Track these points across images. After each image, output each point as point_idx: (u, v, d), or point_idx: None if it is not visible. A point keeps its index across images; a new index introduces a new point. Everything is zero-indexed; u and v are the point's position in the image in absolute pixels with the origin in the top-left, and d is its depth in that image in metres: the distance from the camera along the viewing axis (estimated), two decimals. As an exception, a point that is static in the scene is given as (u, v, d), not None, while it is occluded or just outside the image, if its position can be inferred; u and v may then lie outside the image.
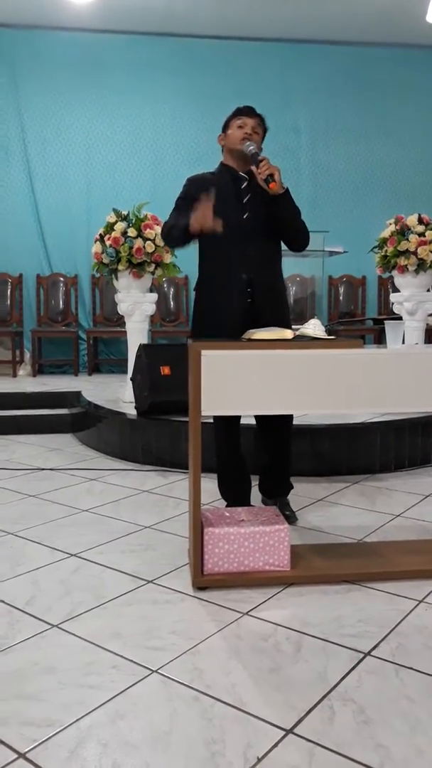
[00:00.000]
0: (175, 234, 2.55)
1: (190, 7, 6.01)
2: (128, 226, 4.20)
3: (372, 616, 1.97)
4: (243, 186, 2.60)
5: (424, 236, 4.39)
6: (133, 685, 1.63)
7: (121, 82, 6.60)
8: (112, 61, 6.57)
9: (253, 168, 2.49)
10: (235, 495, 2.75)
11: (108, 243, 4.22)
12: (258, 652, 1.78)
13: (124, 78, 6.59)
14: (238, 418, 2.70)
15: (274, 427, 2.75)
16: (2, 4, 5.98)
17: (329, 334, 2.49)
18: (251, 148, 2.49)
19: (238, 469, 2.76)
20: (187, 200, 2.54)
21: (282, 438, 2.78)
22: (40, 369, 6.38)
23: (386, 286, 6.66)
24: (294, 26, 6.44)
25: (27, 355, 6.45)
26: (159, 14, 6.14)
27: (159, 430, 3.83)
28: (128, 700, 1.56)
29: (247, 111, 2.61)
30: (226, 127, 2.64)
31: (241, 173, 2.61)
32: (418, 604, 2.04)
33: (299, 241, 2.64)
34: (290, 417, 2.78)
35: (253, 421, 2.77)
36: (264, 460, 2.85)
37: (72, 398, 4.99)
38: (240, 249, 2.54)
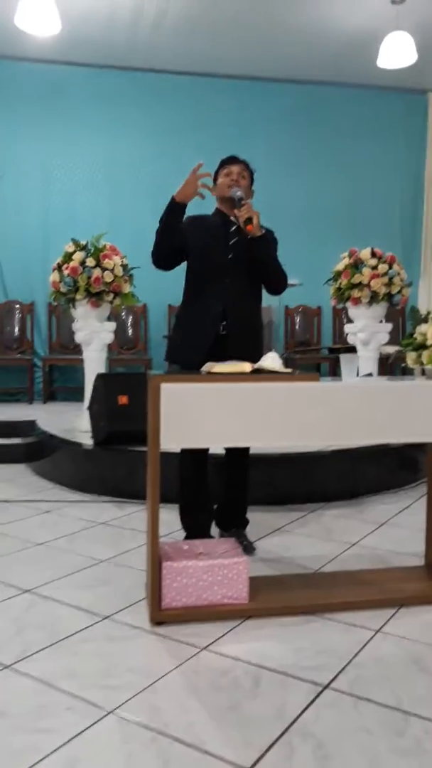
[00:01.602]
0: (160, 239, 2.65)
1: (151, 42, 6.11)
2: (87, 256, 4.20)
3: (330, 648, 1.97)
4: (231, 229, 2.73)
5: (377, 269, 4.52)
6: (89, 727, 1.59)
7: (81, 114, 6.64)
8: (73, 92, 6.61)
9: (235, 210, 2.64)
10: (197, 525, 2.74)
11: (66, 272, 4.21)
12: (216, 688, 1.76)
13: (84, 110, 6.64)
14: (206, 448, 2.70)
15: (234, 459, 2.78)
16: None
17: (286, 363, 2.53)
18: (238, 193, 2.64)
19: (202, 499, 2.76)
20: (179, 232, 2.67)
21: (241, 470, 2.81)
22: (-7, 397, 6.26)
23: (341, 316, 6.80)
24: (252, 64, 6.62)
25: (-20, 383, 6.32)
26: (121, 48, 6.23)
27: (116, 460, 3.80)
28: (84, 744, 1.52)
29: (230, 160, 2.78)
30: (215, 178, 2.78)
31: (231, 218, 2.74)
32: (374, 634, 2.06)
33: (276, 283, 2.78)
34: (247, 450, 2.80)
35: (217, 452, 2.77)
36: (224, 492, 2.86)
37: (26, 427, 4.91)
38: (220, 284, 2.67)
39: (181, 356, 2.69)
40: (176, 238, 2.66)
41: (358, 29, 5.84)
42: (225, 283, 2.67)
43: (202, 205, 2.72)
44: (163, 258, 2.72)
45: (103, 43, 6.14)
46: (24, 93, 6.51)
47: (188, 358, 2.61)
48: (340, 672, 1.84)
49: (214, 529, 2.90)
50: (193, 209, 2.70)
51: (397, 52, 5.60)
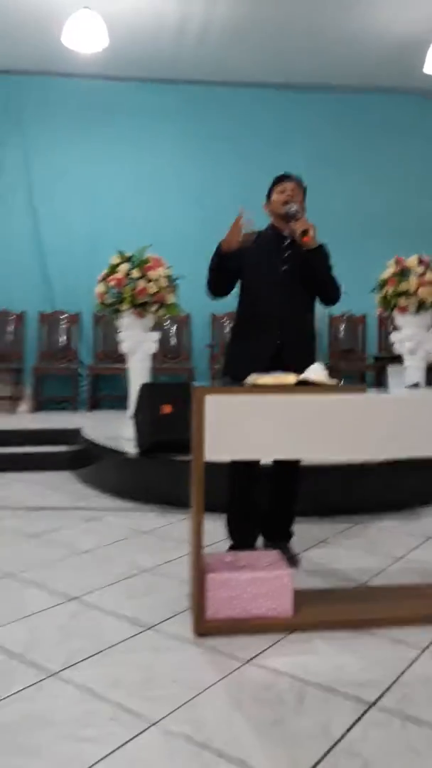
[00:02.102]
0: (212, 276, 2.75)
1: (195, 54, 6.19)
2: (132, 268, 4.27)
3: (376, 665, 1.94)
4: (285, 244, 2.77)
5: (424, 277, 4.45)
6: (133, 738, 1.59)
7: (125, 127, 6.76)
8: (117, 106, 6.74)
9: (291, 224, 2.69)
10: (244, 535, 2.74)
11: (111, 283, 4.28)
12: (260, 702, 1.75)
13: (128, 123, 6.76)
14: (258, 460, 2.69)
15: (284, 470, 2.77)
16: (12, 52, 6.16)
17: (331, 372, 2.51)
18: (293, 208, 2.69)
19: (250, 510, 2.75)
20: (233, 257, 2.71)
21: (290, 482, 2.80)
22: (40, 405, 6.38)
23: (386, 324, 6.70)
24: (295, 72, 6.62)
25: (27, 391, 6.46)
26: (164, 62, 6.32)
27: (159, 469, 3.82)
28: (127, 756, 1.53)
29: (284, 177, 2.82)
30: (269, 195, 2.83)
31: (284, 233, 2.78)
32: (422, 652, 2.01)
33: (330, 294, 2.81)
34: (297, 461, 2.79)
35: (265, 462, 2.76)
36: (271, 503, 2.84)
37: (71, 435, 4.98)
38: (275, 297, 2.71)
39: (240, 370, 2.60)
40: (229, 275, 2.75)
41: (403, 35, 5.78)
42: (280, 296, 2.71)
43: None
44: (220, 292, 2.82)
45: (147, 58, 6.24)
46: (70, 108, 6.66)
47: (247, 371, 2.52)
48: (386, 690, 1.80)
49: (259, 540, 2.89)
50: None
51: (443, 58, 5.52)
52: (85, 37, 5.16)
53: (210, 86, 6.82)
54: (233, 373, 2.71)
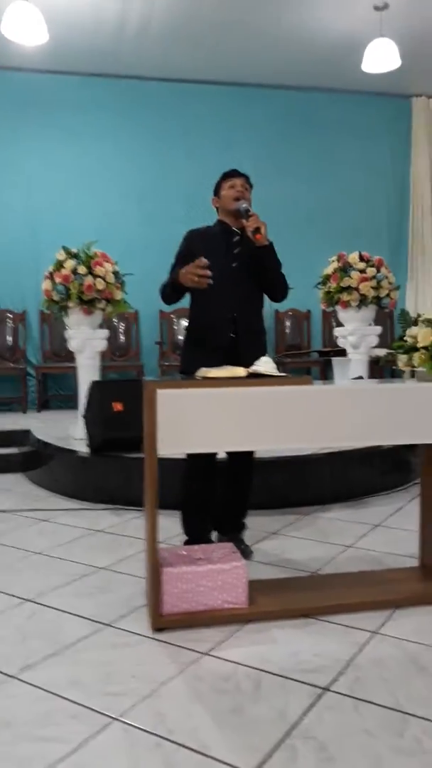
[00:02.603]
0: (168, 292, 2.79)
1: (137, 49, 6.15)
2: (78, 264, 4.22)
3: (329, 651, 2.00)
4: (235, 240, 2.82)
5: (365, 273, 4.57)
6: (95, 734, 1.60)
7: (68, 121, 6.66)
8: (59, 100, 6.63)
9: (243, 221, 2.73)
10: (200, 528, 2.77)
11: (58, 280, 4.22)
12: (219, 692, 1.79)
13: (71, 117, 6.66)
14: (214, 453, 2.73)
15: (238, 463, 2.82)
16: None
17: (277, 367, 2.57)
18: (244, 205, 2.74)
19: (206, 503, 2.78)
20: (185, 257, 2.76)
21: (244, 476, 2.85)
22: (-14, 406, 6.26)
23: (330, 320, 6.85)
24: (237, 70, 6.66)
25: (-27, 393, 6.32)
26: (107, 56, 6.26)
27: (112, 467, 3.82)
28: (89, 752, 1.54)
29: (234, 173, 2.87)
30: (217, 189, 2.87)
31: (234, 228, 2.83)
32: (372, 636, 2.09)
33: (279, 291, 2.87)
34: (251, 455, 2.83)
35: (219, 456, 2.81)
36: (225, 495, 2.88)
37: (21, 437, 4.91)
38: (227, 293, 2.74)
39: (196, 366, 2.63)
40: (180, 292, 2.79)
41: (342, 35, 5.90)
42: (231, 292, 2.75)
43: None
44: (173, 303, 2.85)
45: (88, 52, 6.16)
46: (10, 101, 6.52)
47: (205, 365, 2.58)
48: (339, 674, 1.87)
49: (213, 533, 2.93)
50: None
51: (381, 58, 5.67)
52: (24, 29, 5.06)
53: (152, 82, 6.79)
54: (189, 370, 2.72)
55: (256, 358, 2.59)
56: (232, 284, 2.75)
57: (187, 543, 2.77)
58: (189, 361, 2.80)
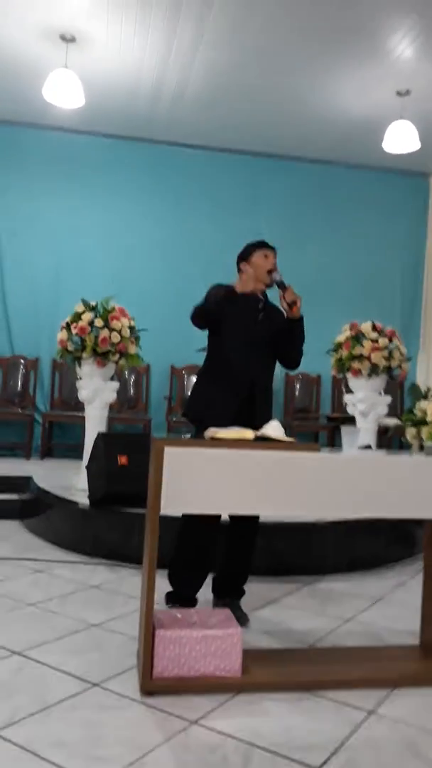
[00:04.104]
0: (208, 302, 2.81)
1: (170, 116, 6.43)
2: (96, 317, 4.31)
3: (322, 728, 1.94)
4: (260, 305, 2.95)
5: (377, 343, 4.62)
6: (74, 801, 1.55)
7: (96, 180, 6.92)
8: (90, 160, 6.90)
9: (280, 292, 2.88)
10: (189, 586, 2.72)
11: (74, 331, 4.30)
12: (206, 765, 1.72)
13: (100, 177, 6.92)
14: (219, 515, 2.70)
15: (243, 527, 2.79)
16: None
17: (285, 430, 2.58)
18: (279, 278, 2.91)
19: (202, 562, 2.75)
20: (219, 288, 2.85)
21: (247, 540, 2.82)
22: (-9, 450, 6.26)
23: (340, 385, 6.88)
24: (264, 141, 6.94)
25: (-21, 436, 6.34)
26: (139, 121, 6.55)
27: (111, 521, 3.78)
28: None
29: (266, 244, 3.00)
30: (248, 256, 2.98)
31: (259, 294, 2.95)
32: (368, 716, 2.02)
33: (294, 360, 3.03)
34: (256, 519, 2.81)
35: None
36: (226, 560, 2.85)
37: (22, 483, 4.89)
38: (248, 353, 2.87)
39: (206, 416, 2.73)
40: (213, 317, 2.86)
41: (365, 115, 6.16)
42: (252, 354, 2.87)
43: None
44: (204, 323, 2.90)
45: (123, 115, 6.45)
46: (45, 159, 6.80)
47: (213, 419, 2.63)
48: (332, 754, 1.80)
49: (209, 594, 2.88)
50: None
51: (401, 139, 5.89)
52: (63, 93, 5.33)
53: (180, 148, 7.07)
54: (196, 416, 2.86)
55: (267, 418, 2.69)
56: (254, 347, 2.87)
57: (170, 595, 2.72)
58: (197, 408, 2.90)
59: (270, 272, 2.92)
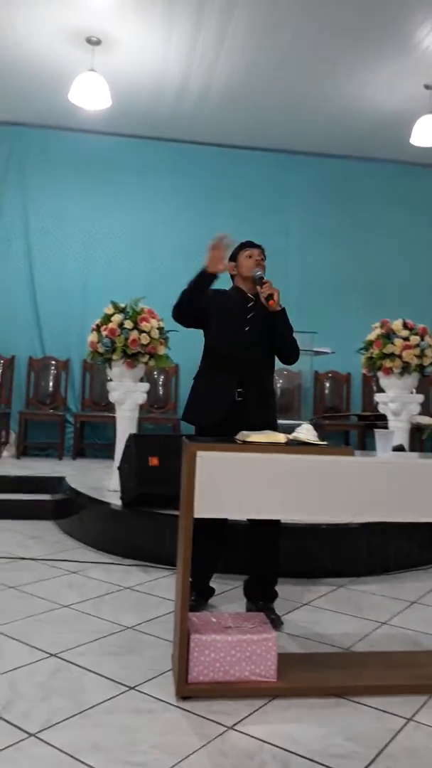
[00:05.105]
0: (184, 294, 2.85)
1: (194, 115, 6.43)
2: (125, 318, 4.32)
3: (360, 735, 1.92)
4: (249, 305, 2.95)
5: (409, 341, 4.55)
6: (113, 806, 1.55)
7: (123, 181, 6.95)
8: (117, 161, 6.95)
9: (258, 288, 2.87)
10: (197, 576, 2.71)
11: (104, 333, 4.32)
12: (243, 772, 1.72)
13: (126, 177, 6.96)
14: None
15: (263, 532, 2.79)
16: (18, 105, 6.37)
17: (317, 432, 2.56)
18: (258, 273, 2.89)
19: (210, 555, 2.83)
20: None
21: (269, 542, 2.81)
22: (24, 451, 6.34)
23: (370, 384, 6.81)
24: (289, 139, 6.90)
25: (12, 437, 6.43)
26: (165, 122, 6.56)
27: (144, 522, 3.80)
28: None
29: (251, 244, 3.01)
30: (234, 257, 3.00)
31: (249, 295, 2.97)
32: (407, 723, 1.99)
33: (290, 354, 2.99)
34: (277, 521, 2.80)
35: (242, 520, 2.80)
36: (253, 564, 2.86)
37: (55, 483, 4.94)
38: (238, 354, 2.87)
39: (198, 419, 2.92)
40: (201, 300, 2.87)
41: (392, 110, 6.08)
42: (242, 354, 2.87)
43: (196, 259, 2.92)
44: (184, 315, 2.92)
45: (148, 117, 6.47)
46: (72, 161, 6.86)
47: (204, 421, 2.86)
48: (371, 763, 1.78)
49: (241, 600, 2.87)
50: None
51: (429, 133, 5.79)
52: (89, 95, 5.37)
53: (206, 147, 7.07)
54: (194, 421, 2.94)
55: (264, 418, 2.73)
56: (243, 347, 2.87)
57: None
58: (192, 411, 2.95)
59: (254, 268, 2.91)
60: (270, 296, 2.80)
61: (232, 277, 3.03)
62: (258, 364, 2.92)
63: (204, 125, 6.64)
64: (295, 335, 2.99)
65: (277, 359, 3.04)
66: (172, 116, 6.46)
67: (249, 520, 2.78)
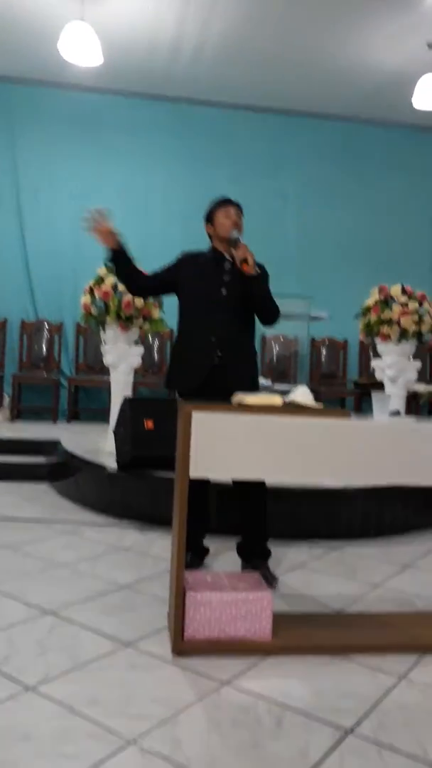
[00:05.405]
0: (120, 279, 3.07)
1: (189, 73, 6.27)
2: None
3: (353, 691, 1.95)
4: (226, 267, 2.88)
5: (407, 307, 4.53)
6: (111, 756, 1.58)
7: (116, 140, 6.81)
8: (109, 119, 6.80)
9: (232, 250, 2.78)
10: (189, 539, 2.73)
11: (98, 296, 4.27)
12: (239, 725, 1.75)
13: (120, 136, 6.82)
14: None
15: (250, 493, 2.81)
16: (6, 59, 6.19)
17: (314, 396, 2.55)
18: (234, 235, 2.80)
19: (200, 518, 2.84)
20: (168, 270, 2.97)
21: (258, 503, 2.83)
22: (18, 414, 6.33)
23: (367, 350, 6.80)
24: (288, 98, 6.76)
25: (6, 400, 6.40)
26: (159, 79, 6.40)
27: (139, 485, 3.81)
28: (106, 774, 1.52)
29: (227, 201, 2.92)
30: (211, 217, 2.92)
31: (226, 256, 2.89)
32: (399, 681, 2.03)
33: (268, 317, 2.93)
34: (263, 483, 2.83)
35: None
36: (242, 524, 2.88)
37: (50, 447, 4.95)
38: (214, 318, 2.82)
39: (178, 384, 2.89)
40: (138, 278, 2.99)
41: (393, 69, 5.95)
42: (219, 317, 2.82)
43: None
44: (137, 291, 3.12)
45: (141, 73, 6.31)
46: (63, 119, 6.70)
47: (184, 386, 2.83)
48: (364, 717, 1.81)
49: (237, 561, 2.90)
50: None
51: (431, 94, 5.68)
52: (80, 49, 5.21)
53: (202, 106, 6.91)
54: (175, 387, 2.91)
55: (244, 380, 2.73)
56: (219, 309, 2.82)
57: None
58: (172, 378, 2.93)
59: (231, 228, 2.81)
60: (244, 260, 2.71)
61: (211, 237, 2.94)
62: (236, 326, 2.85)
63: (200, 83, 6.49)
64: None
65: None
66: (166, 73, 6.30)
67: (234, 482, 2.79)
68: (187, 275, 2.88)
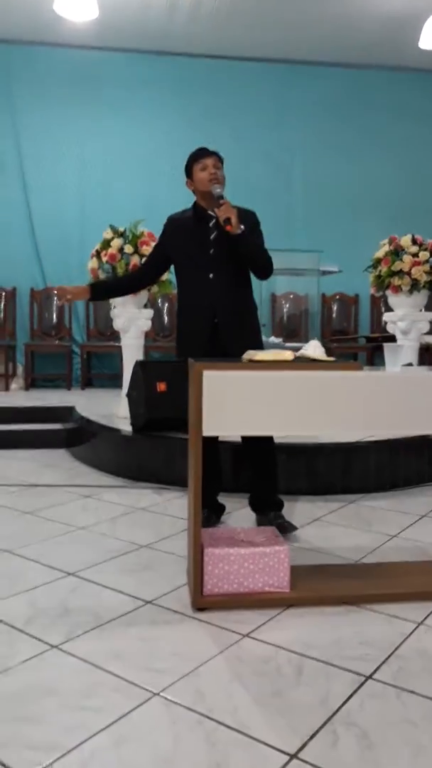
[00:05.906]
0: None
1: (187, 26, 6.08)
2: (125, 243, 4.23)
3: (372, 639, 1.97)
4: (211, 224, 2.80)
5: (418, 257, 4.44)
6: (136, 708, 1.62)
7: (117, 99, 6.66)
8: (109, 78, 6.63)
9: (215, 210, 2.69)
10: (205, 496, 2.76)
11: (104, 259, 4.24)
12: (259, 675, 1.78)
13: (121, 95, 6.66)
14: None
15: (258, 448, 2.84)
16: (1, 20, 6.03)
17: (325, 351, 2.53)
18: (217, 191, 2.69)
19: (212, 475, 2.86)
20: (158, 248, 2.96)
21: (266, 455, 2.85)
22: (32, 383, 6.37)
23: (378, 305, 6.72)
24: (290, 47, 6.54)
25: (20, 369, 6.44)
26: (157, 33, 6.22)
27: (154, 446, 3.84)
28: (131, 724, 1.56)
29: (203, 152, 2.79)
30: (189, 171, 2.81)
31: (209, 212, 2.80)
32: (417, 627, 2.05)
33: (261, 272, 2.86)
34: (271, 438, 2.85)
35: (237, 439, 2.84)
36: (253, 476, 2.92)
37: (65, 413, 4.98)
38: (205, 280, 2.77)
39: (185, 352, 2.82)
40: (125, 287, 3.22)
41: (399, 11, 5.72)
42: (210, 278, 2.77)
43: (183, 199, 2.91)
44: (136, 291, 3.35)
45: (138, 28, 6.13)
46: (61, 78, 6.56)
47: (190, 351, 2.72)
48: (383, 663, 1.84)
49: (251, 515, 2.93)
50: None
51: (441, 34, 5.47)
52: (74, 4, 5.06)
53: (201, 59, 6.72)
54: (183, 353, 2.85)
55: (243, 341, 2.65)
56: (210, 271, 2.77)
57: None
58: (178, 344, 2.93)
59: (210, 181, 2.70)
60: (227, 220, 2.61)
61: (194, 192, 2.84)
62: (230, 286, 2.78)
63: (197, 36, 6.30)
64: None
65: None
66: (164, 27, 6.12)
67: (243, 439, 2.81)
68: (176, 243, 2.82)
